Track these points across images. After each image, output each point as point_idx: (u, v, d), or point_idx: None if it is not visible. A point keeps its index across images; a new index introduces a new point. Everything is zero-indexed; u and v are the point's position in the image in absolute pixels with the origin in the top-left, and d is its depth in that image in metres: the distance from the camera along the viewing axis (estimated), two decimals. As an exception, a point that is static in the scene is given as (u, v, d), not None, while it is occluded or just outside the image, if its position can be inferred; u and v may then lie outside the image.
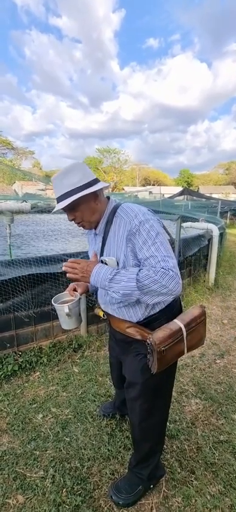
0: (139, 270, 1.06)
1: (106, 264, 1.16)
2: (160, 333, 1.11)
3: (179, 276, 1.06)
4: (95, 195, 1.15)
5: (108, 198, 1.25)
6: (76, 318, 1.40)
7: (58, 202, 1.11)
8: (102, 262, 1.18)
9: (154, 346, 1.07)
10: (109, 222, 1.18)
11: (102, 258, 1.19)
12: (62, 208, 1.10)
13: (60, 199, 1.10)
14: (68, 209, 1.13)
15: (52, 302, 1.39)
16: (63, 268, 1.18)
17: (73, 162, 1.18)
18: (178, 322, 1.18)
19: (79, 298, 1.41)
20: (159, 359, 1.09)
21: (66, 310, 1.32)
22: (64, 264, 1.18)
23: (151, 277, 1.02)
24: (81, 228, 1.24)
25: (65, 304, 1.33)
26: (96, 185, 1.13)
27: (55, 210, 1.14)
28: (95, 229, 1.25)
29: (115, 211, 1.18)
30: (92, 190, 1.10)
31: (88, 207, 1.15)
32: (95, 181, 1.14)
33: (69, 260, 1.18)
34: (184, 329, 1.16)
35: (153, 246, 1.07)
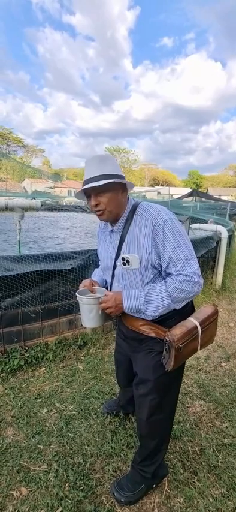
0: (165, 283, 1.12)
1: (128, 261, 1.14)
2: (178, 330, 1.12)
3: (201, 276, 1.13)
4: (124, 188, 1.17)
5: (128, 197, 1.24)
6: (102, 315, 1.32)
7: (89, 183, 1.08)
8: (123, 259, 1.16)
9: (173, 343, 1.08)
10: (128, 220, 1.18)
11: (123, 255, 1.17)
12: (88, 191, 1.11)
13: (94, 179, 1.08)
14: (96, 192, 1.11)
15: (78, 295, 1.30)
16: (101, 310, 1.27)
17: (107, 153, 1.20)
18: (193, 320, 1.19)
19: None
20: (176, 356, 1.10)
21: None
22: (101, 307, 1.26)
23: (179, 288, 1.09)
24: (98, 215, 1.19)
25: (97, 297, 1.26)
26: (126, 181, 1.15)
27: (87, 186, 1.08)
28: (113, 225, 1.25)
29: (135, 209, 1.18)
30: (125, 182, 1.13)
31: (115, 197, 1.14)
32: (124, 177, 1.16)
33: (99, 306, 1.25)
34: (199, 327, 1.18)
35: (178, 248, 1.09)
